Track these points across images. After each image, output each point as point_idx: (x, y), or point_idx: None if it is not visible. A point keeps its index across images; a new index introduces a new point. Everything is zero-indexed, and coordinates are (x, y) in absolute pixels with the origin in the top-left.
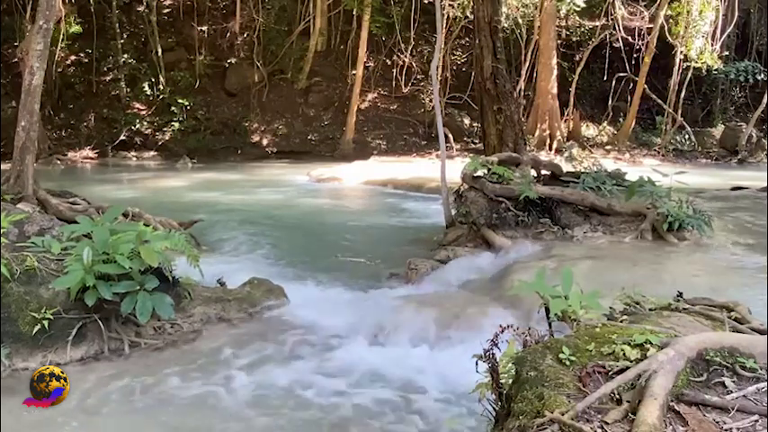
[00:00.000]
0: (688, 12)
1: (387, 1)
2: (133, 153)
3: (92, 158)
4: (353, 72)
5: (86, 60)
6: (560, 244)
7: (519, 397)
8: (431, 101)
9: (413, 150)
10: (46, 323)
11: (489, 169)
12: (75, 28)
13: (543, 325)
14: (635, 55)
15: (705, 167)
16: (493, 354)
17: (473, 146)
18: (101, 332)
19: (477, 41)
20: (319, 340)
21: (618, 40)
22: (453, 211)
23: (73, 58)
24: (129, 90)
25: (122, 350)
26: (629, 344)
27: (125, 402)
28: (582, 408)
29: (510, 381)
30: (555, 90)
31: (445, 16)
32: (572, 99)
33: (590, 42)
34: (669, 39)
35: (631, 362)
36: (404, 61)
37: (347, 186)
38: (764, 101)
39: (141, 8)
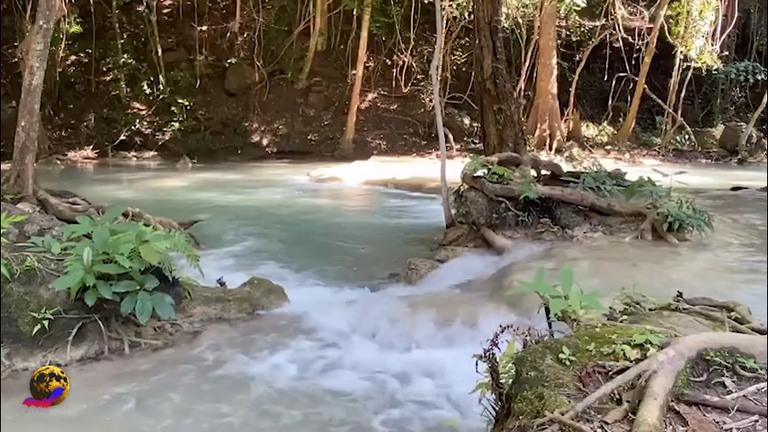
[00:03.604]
0: (688, 12)
1: (387, 1)
2: (133, 153)
3: (92, 158)
4: (353, 72)
5: (86, 60)
6: (560, 244)
7: (519, 397)
8: (431, 101)
9: (413, 150)
10: (46, 323)
11: (489, 169)
12: (76, 28)
13: (543, 325)
14: (635, 55)
15: (705, 167)
16: (493, 354)
17: (473, 146)
18: (101, 332)
19: (477, 41)
20: (319, 340)
21: (618, 40)
22: (453, 211)
23: (73, 58)
24: (129, 90)
25: (122, 350)
26: (629, 344)
27: (125, 402)
28: (582, 408)
29: (510, 381)
30: (555, 90)
31: (445, 16)
32: (572, 99)
33: (590, 42)
34: (669, 39)
35: (631, 362)
36: (404, 61)
37: (347, 186)
38: (764, 101)
39: (141, 8)
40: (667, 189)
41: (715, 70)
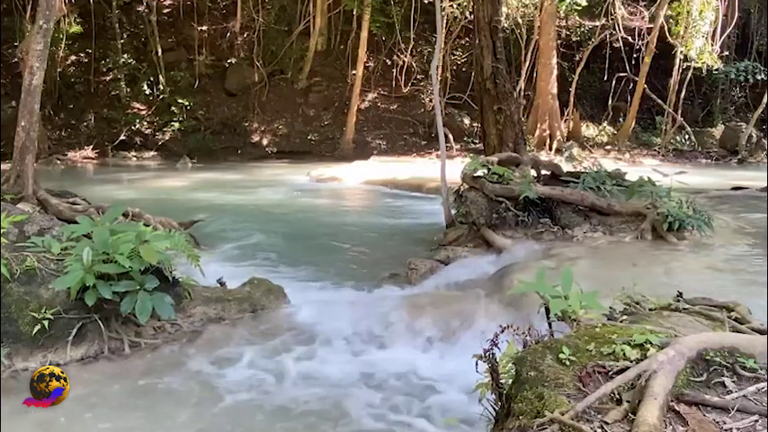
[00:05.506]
0: (688, 12)
1: (387, 1)
2: (133, 153)
3: (92, 158)
4: (353, 72)
5: (86, 60)
6: (560, 244)
7: (519, 397)
8: (431, 101)
9: (413, 150)
10: (46, 323)
11: (489, 169)
12: (76, 28)
13: (543, 325)
14: (635, 55)
15: (705, 167)
16: (493, 354)
17: (473, 146)
18: (101, 332)
19: (477, 41)
20: (319, 340)
21: (618, 40)
22: (453, 211)
23: (73, 58)
24: (129, 90)
25: (122, 350)
26: (629, 344)
27: (125, 402)
28: (582, 408)
29: (510, 381)
30: (555, 90)
31: (445, 16)
32: (572, 99)
33: (590, 42)
34: (669, 39)
35: (631, 362)
36: (404, 61)
37: (347, 186)
38: (764, 101)
39: (141, 8)
40: (667, 189)
41: (715, 70)
